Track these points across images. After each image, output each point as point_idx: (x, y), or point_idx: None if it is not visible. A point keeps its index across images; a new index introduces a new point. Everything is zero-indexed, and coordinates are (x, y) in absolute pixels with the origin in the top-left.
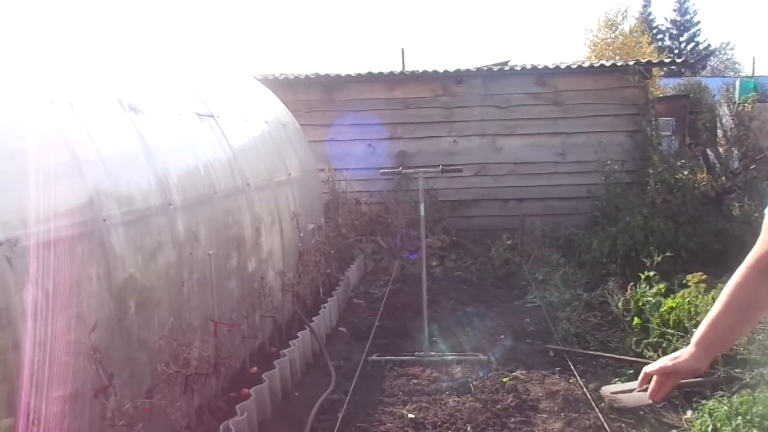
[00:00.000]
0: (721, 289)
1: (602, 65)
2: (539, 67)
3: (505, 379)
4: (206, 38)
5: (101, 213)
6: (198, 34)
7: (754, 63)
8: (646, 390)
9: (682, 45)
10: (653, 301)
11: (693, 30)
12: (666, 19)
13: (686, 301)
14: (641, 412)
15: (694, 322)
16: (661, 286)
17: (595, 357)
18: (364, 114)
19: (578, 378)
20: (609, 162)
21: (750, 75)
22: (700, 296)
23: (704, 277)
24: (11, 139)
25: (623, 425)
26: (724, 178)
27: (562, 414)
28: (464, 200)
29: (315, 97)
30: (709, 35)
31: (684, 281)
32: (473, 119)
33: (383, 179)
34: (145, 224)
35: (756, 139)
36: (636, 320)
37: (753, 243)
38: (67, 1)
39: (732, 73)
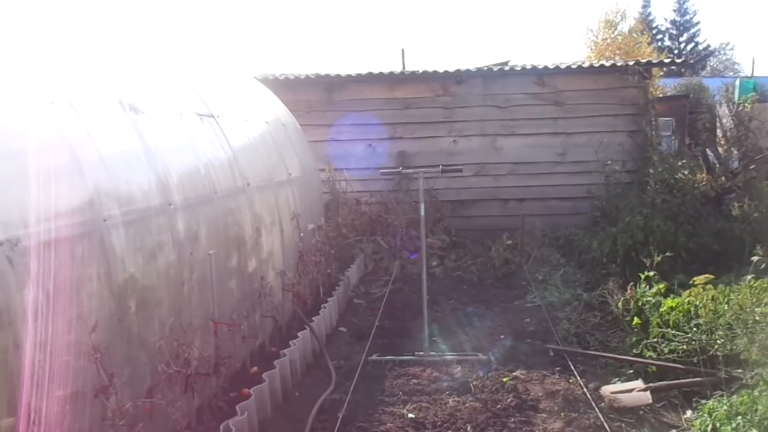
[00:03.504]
0: (721, 289)
1: (602, 65)
2: (539, 67)
3: (505, 379)
4: (206, 38)
5: (101, 213)
6: (198, 34)
7: (753, 63)
8: (645, 390)
9: (682, 45)
10: (653, 301)
11: (693, 30)
12: (666, 19)
13: (686, 301)
14: (641, 412)
15: (694, 322)
16: (661, 286)
17: (595, 357)
18: (365, 114)
19: (578, 378)
20: (609, 162)
21: (749, 75)
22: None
23: (711, 278)
24: (12, 139)
25: (623, 425)
26: (723, 178)
27: (562, 414)
28: (464, 200)
29: (315, 97)
30: (708, 35)
31: (684, 281)
32: (473, 119)
33: (383, 179)
34: (145, 224)
35: (755, 139)
36: (636, 320)
37: (752, 243)
38: (67, 1)
39: (731, 74)
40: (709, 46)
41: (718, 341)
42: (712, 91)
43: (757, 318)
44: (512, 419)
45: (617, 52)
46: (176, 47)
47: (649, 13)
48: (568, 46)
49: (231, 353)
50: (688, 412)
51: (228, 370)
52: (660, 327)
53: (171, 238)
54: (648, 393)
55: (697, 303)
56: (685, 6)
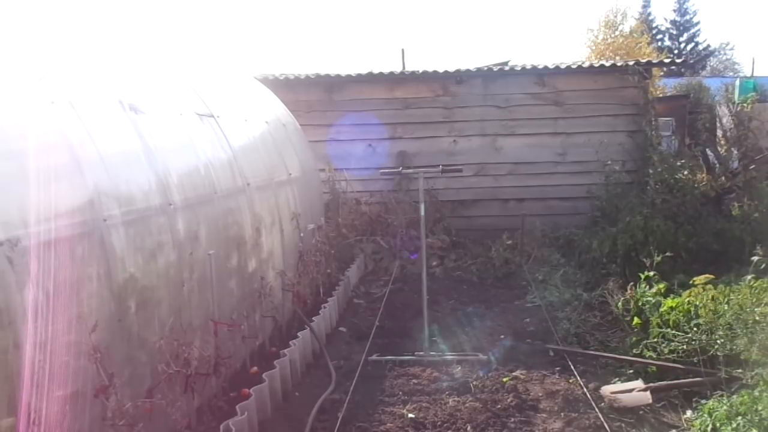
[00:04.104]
0: (721, 289)
1: (602, 65)
2: (539, 67)
3: (505, 379)
4: (206, 38)
5: (101, 213)
6: (198, 34)
7: (753, 63)
8: (645, 390)
9: (682, 45)
10: (653, 301)
11: (693, 30)
12: (666, 19)
13: (686, 301)
14: (641, 412)
15: (694, 322)
16: (661, 286)
17: (595, 357)
18: (365, 114)
19: (578, 378)
20: (609, 162)
21: (749, 75)
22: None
23: (711, 278)
24: (12, 139)
25: (623, 425)
26: (723, 178)
27: (562, 414)
28: (464, 200)
29: (315, 97)
30: (708, 35)
31: (684, 281)
32: (473, 119)
33: (383, 179)
34: (145, 224)
35: (755, 139)
36: (636, 320)
37: (752, 243)
38: (67, 1)
39: (731, 74)
40: (709, 46)
41: (718, 341)
42: (712, 91)
43: (757, 318)
44: (512, 419)
45: (618, 52)
46: (176, 47)
47: (649, 13)
48: (568, 46)
49: (231, 353)
50: (688, 412)
51: (228, 370)
52: (660, 327)
53: (171, 238)
54: (648, 393)
55: (697, 303)
56: (685, 6)
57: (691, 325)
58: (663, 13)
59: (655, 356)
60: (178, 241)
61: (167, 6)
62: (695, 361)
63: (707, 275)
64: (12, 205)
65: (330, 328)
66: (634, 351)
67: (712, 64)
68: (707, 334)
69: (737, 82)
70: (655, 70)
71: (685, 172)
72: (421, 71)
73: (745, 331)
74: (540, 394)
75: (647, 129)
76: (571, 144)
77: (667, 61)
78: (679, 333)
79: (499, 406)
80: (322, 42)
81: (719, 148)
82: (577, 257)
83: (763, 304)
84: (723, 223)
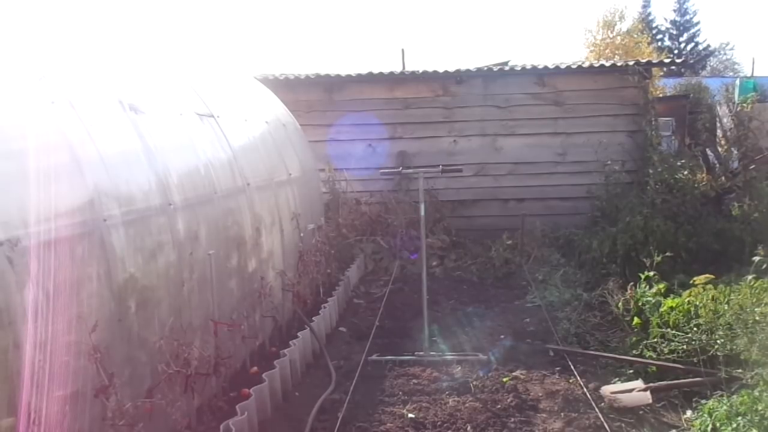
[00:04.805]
0: (721, 289)
1: (602, 65)
2: (539, 67)
3: (505, 379)
4: (206, 38)
5: (101, 213)
6: (198, 34)
7: (753, 63)
8: (645, 390)
9: (682, 45)
10: (653, 301)
11: (693, 30)
12: (665, 19)
13: (686, 301)
14: (641, 412)
15: (694, 322)
16: (661, 286)
17: (595, 357)
18: (365, 114)
19: (578, 378)
20: (609, 162)
21: (749, 75)
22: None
23: (711, 278)
24: (12, 139)
25: (623, 425)
26: (723, 178)
27: (562, 414)
28: (464, 200)
29: (315, 97)
30: (708, 35)
31: (684, 281)
32: (473, 119)
33: (383, 179)
34: (145, 224)
35: (755, 139)
36: (636, 320)
37: (753, 243)
38: (67, 1)
39: (731, 74)
40: (709, 46)
41: (718, 341)
42: (712, 91)
43: (757, 318)
44: (512, 419)
45: (617, 52)
46: (176, 47)
47: (649, 13)
48: (568, 46)
49: (231, 353)
50: (688, 412)
51: (228, 370)
52: (660, 327)
53: (171, 238)
54: (648, 393)
55: (697, 303)
56: (685, 6)
57: (691, 325)
58: (663, 13)
59: (655, 356)
60: (178, 241)
61: (167, 6)
62: (695, 361)
63: (707, 275)
64: (12, 205)
65: (330, 328)
66: (634, 351)
67: (712, 64)
68: (707, 334)
69: (737, 82)
70: (655, 70)
71: (685, 172)
72: (421, 71)
73: (745, 331)
74: (540, 394)
75: (647, 129)
76: (571, 144)
77: (667, 61)
78: (679, 333)
79: (499, 406)
80: (322, 42)
81: (719, 148)
82: (577, 257)
83: (763, 304)
84: (723, 223)
